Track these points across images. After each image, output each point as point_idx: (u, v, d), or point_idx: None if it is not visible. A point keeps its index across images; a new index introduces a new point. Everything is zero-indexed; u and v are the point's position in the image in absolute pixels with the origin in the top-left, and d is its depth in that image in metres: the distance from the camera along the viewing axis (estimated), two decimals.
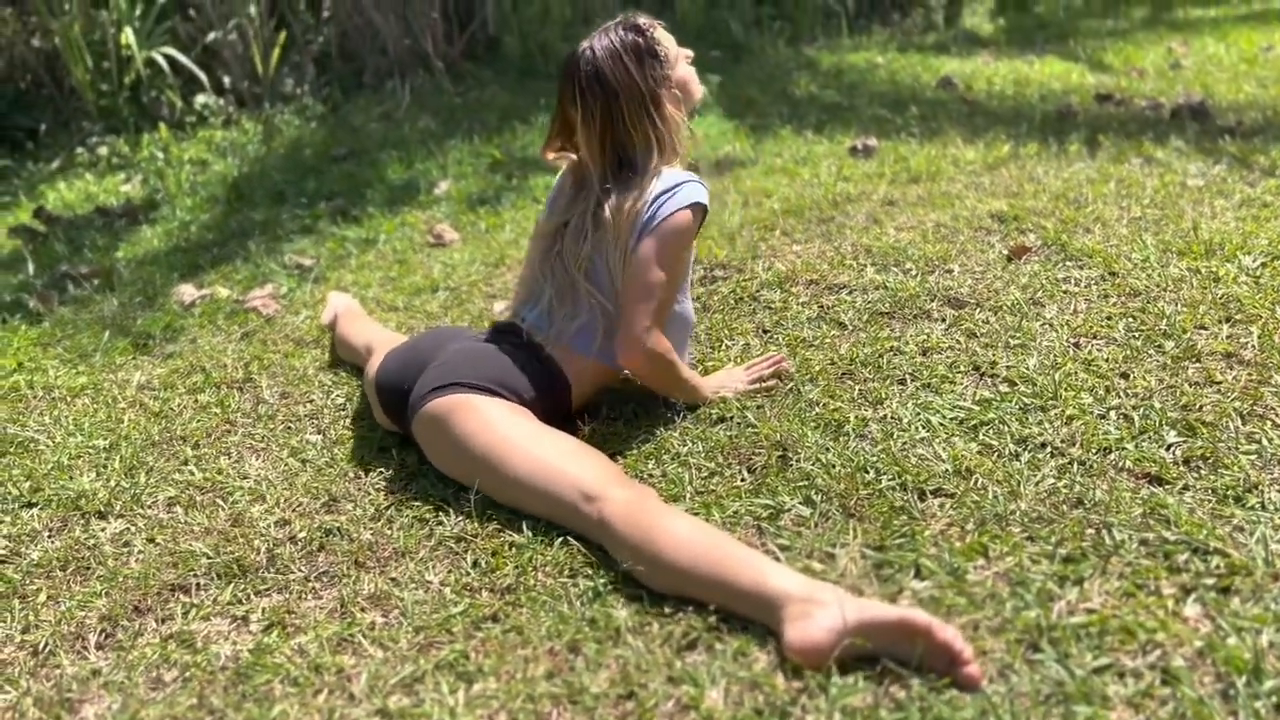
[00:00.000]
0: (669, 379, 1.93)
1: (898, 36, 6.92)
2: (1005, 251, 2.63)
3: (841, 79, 5.63)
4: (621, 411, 2.05)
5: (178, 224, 3.92)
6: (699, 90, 2.01)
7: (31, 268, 3.51)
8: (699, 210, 1.87)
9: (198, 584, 1.65)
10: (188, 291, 3.09)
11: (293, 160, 4.61)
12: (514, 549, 1.60)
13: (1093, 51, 5.94)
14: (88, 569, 1.75)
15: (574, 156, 2.02)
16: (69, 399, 2.48)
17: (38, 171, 4.75)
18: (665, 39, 1.93)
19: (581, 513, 1.57)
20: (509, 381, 1.85)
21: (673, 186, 1.87)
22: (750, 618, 1.34)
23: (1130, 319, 2.12)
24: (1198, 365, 1.89)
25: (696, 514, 1.61)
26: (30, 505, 1.99)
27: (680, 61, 1.95)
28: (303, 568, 1.66)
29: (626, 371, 2.03)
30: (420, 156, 4.44)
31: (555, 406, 1.94)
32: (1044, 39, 6.47)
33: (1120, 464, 1.59)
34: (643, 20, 1.91)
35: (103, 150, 4.76)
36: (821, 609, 1.25)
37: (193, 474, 2.03)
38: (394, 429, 2.03)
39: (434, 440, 1.82)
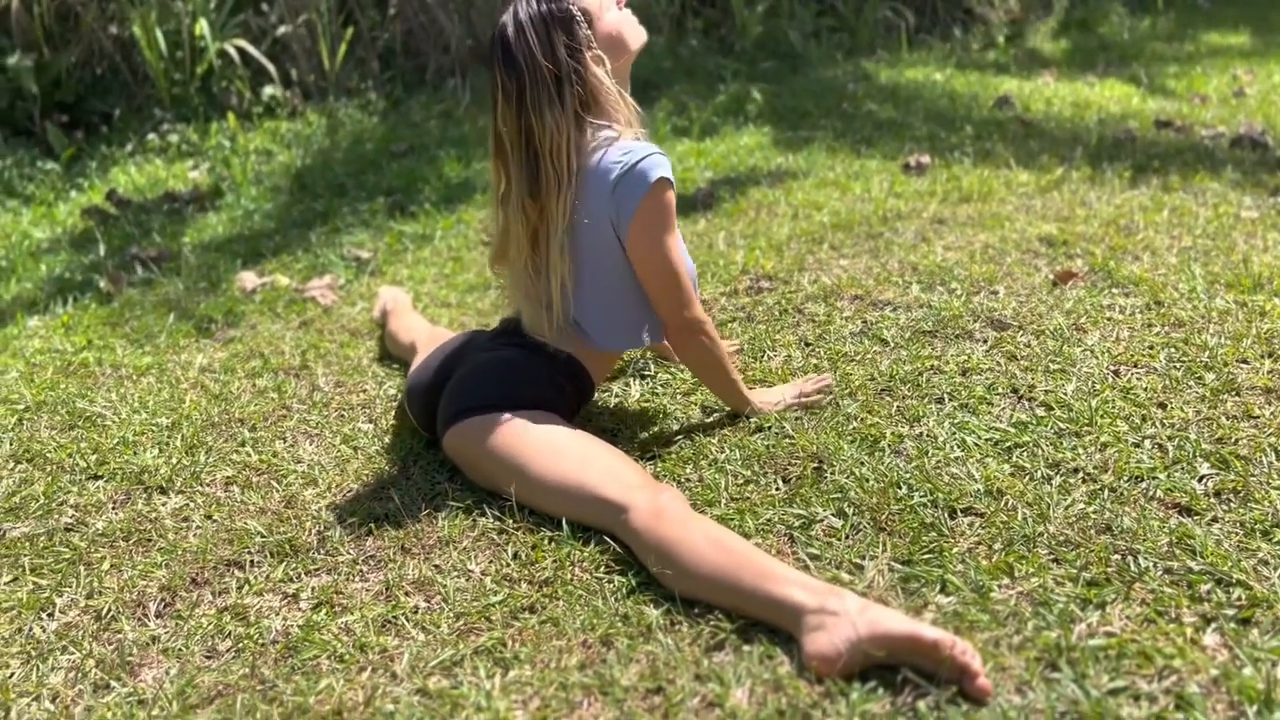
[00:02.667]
0: (719, 363, 1.93)
1: (957, 53, 6.90)
2: (1051, 276, 2.65)
3: (897, 94, 5.64)
4: (661, 417, 2.10)
5: (242, 212, 4.04)
6: (636, 36, 1.89)
7: (102, 249, 3.64)
8: (663, 184, 1.80)
9: (252, 560, 1.73)
10: (249, 279, 3.20)
11: (354, 154, 4.73)
12: (553, 543, 1.67)
13: (1155, 76, 5.89)
14: (149, 541, 1.84)
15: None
16: (135, 377, 2.59)
17: (110, 155, 4.90)
18: None
19: (608, 523, 1.63)
20: (523, 391, 1.88)
21: (629, 167, 1.79)
22: (772, 624, 1.39)
23: (1172, 349, 2.13)
24: (1236, 399, 1.91)
25: (730, 520, 1.66)
26: (96, 477, 2.09)
27: (608, 10, 1.85)
28: (351, 550, 1.73)
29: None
30: (479, 156, 4.53)
31: (577, 395, 1.99)
32: (1106, 61, 6.42)
33: (1151, 493, 1.62)
34: None
35: (173, 137, 4.91)
36: (835, 620, 1.30)
37: (249, 455, 2.12)
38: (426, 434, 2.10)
39: (463, 464, 1.89)
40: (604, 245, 1.88)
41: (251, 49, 5.19)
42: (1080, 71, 6.15)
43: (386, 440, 2.13)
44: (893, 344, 2.32)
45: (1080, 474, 1.69)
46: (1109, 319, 2.35)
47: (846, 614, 1.30)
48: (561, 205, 1.82)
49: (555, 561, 1.61)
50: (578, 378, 1.98)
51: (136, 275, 3.35)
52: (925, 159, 4.04)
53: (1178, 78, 5.90)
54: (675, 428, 2.04)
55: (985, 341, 2.27)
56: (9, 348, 2.85)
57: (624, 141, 1.84)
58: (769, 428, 1.96)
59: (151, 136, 4.94)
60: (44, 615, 1.64)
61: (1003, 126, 4.70)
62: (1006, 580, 1.43)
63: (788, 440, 1.90)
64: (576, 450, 1.76)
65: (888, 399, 2.04)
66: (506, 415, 1.83)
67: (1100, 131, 4.55)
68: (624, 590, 1.52)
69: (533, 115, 1.78)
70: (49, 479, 2.09)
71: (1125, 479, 1.66)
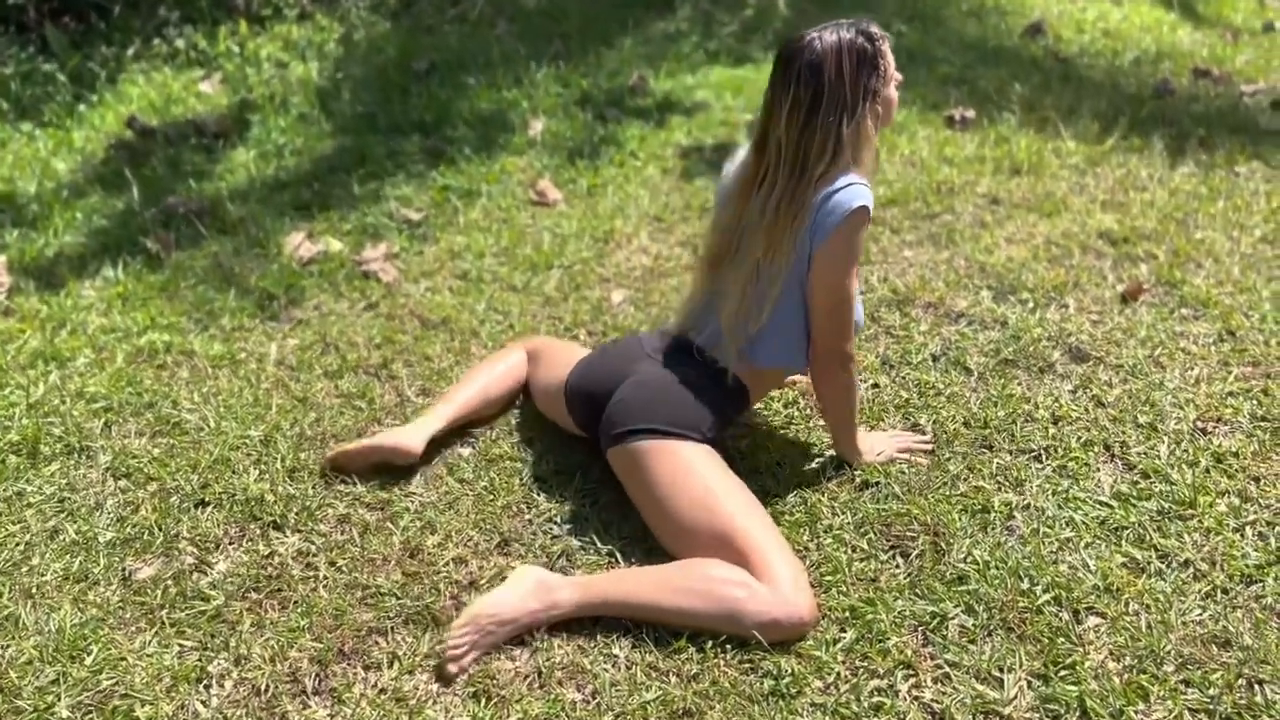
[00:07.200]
0: (850, 404, 2.03)
1: None
2: (1119, 289, 2.70)
3: (919, 6, 5.51)
4: (761, 458, 2.15)
5: (272, 147, 3.92)
6: (895, 115, 2.05)
7: (136, 192, 3.53)
8: (863, 213, 1.90)
9: (393, 628, 1.79)
10: (302, 245, 3.14)
11: (372, 67, 4.55)
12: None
13: None
14: (279, 592, 1.88)
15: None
16: (210, 371, 2.57)
17: (111, 56, 4.68)
18: (889, 54, 1.94)
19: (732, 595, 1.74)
20: (695, 419, 1.97)
21: (836, 190, 1.89)
22: None
23: (1254, 401, 2.21)
24: None
25: (862, 612, 1.74)
26: (204, 504, 2.12)
27: (892, 82, 1.97)
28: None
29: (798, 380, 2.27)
30: (507, 83, 4.39)
31: (736, 416, 2.12)
32: None
33: (1262, 598, 1.72)
34: (875, 29, 1.92)
35: (180, 43, 4.69)
36: None
37: (354, 486, 2.14)
38: (579, 433, 2.18)
39: (626, 478, 1.97)
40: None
41: None
42: None
43: (493, 474, 2.16)
44: (977, 374, 2.37)
45: (1191, 569, 1.78)
46: (1184, 350, 2.42)
47: None
48: (803, 218, 1.91)
49: (698, 650, 1.69)
50: (741, 403, 2.07)
51: (181, 232, 3.27)
52: (970, 113, 4.00)
53: (1205, 1, 5.81)
54: (782, 479, 2.09)
55: (1069, 379, 2.33)
56: (69, 322, 2.80)
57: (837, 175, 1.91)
58: (876, 484, 2.03)
59: (157, 41, 4.71)
60: (201, 687, 1.70)
61: (1040, 66, 4.64)
62: (1142, 706, 1.54)
63: (897, 502, 1.97)
64: (730, 503, 1.84)
65: (986, 453, 2.11)
66: (676, 445, 1.91)
67: (1138, 76, 4.51)
68: (771, 692, 1.61)
69: (818, 131, 1.88)
70: (155, 502, 2.11)
71: (1236, 580, 1.76)
